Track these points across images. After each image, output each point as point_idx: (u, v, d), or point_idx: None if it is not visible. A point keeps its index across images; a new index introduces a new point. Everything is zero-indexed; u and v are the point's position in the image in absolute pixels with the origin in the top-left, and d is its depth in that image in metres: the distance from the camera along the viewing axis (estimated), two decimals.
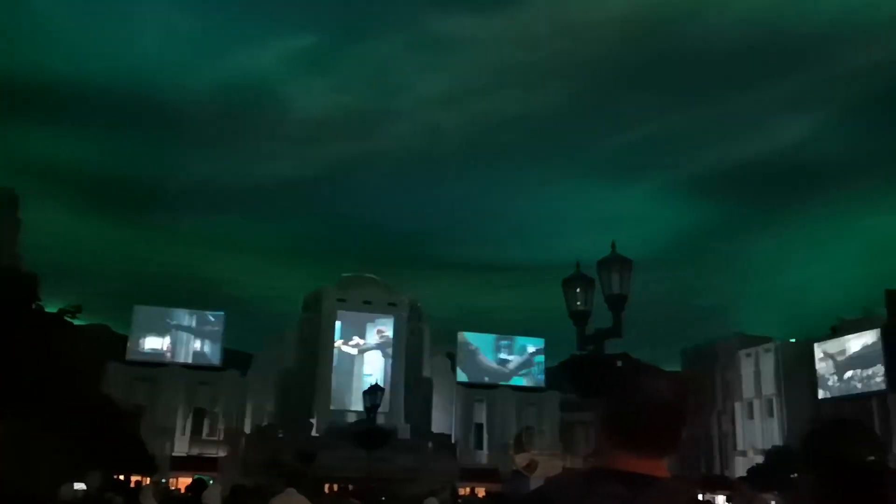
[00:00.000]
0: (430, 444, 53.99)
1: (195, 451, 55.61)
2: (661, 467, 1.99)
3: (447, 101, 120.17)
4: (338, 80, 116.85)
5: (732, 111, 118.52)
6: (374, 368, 59.79)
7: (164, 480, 44.48)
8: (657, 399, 1.99)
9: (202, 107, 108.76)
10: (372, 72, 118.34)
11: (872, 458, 1.92)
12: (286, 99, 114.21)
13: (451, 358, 65.99)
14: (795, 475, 2.19)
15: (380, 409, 26.62)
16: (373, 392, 23.58)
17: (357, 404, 45.96)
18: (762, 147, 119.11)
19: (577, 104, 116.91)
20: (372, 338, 62.10)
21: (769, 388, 60.26)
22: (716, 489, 48.61)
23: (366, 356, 61.54)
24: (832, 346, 56.82)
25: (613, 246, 10.33)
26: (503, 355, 67.88)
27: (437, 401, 61.98)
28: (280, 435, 52.27)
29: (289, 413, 56.98)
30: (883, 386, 51.73)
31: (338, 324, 61.31)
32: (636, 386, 2.04)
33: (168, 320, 61.59)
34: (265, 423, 56.40)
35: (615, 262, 10.02)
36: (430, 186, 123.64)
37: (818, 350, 57.67)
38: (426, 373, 62.71)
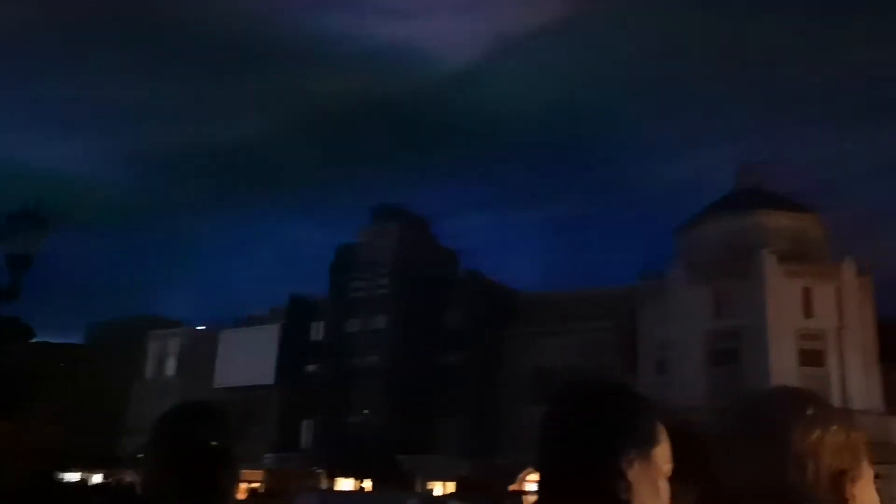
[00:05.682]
0: None
1: None
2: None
3: None
4: None
5: (204, 93, 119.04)
6: None
7: None
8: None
9: None
10: None
11: (215, 443, 2.05)
12: None
13: None
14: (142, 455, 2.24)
15: None
16: None
17: None
18: (221, 136, 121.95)
19: (41, 37, 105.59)
20: None
21: (171, 369, 61.48)
22: (95, 469, 48.20)
23: None
24: (235, 337, 60.34)
25: (29, 202, 9.47)
26: None
27: None
28: None
29: None
30: (271, 380, 56.64)
31: None
32: None
33: None
34: None
35: (25, 219, 9.19)
36: None
37: (222, 340, 60.71)
38: None
